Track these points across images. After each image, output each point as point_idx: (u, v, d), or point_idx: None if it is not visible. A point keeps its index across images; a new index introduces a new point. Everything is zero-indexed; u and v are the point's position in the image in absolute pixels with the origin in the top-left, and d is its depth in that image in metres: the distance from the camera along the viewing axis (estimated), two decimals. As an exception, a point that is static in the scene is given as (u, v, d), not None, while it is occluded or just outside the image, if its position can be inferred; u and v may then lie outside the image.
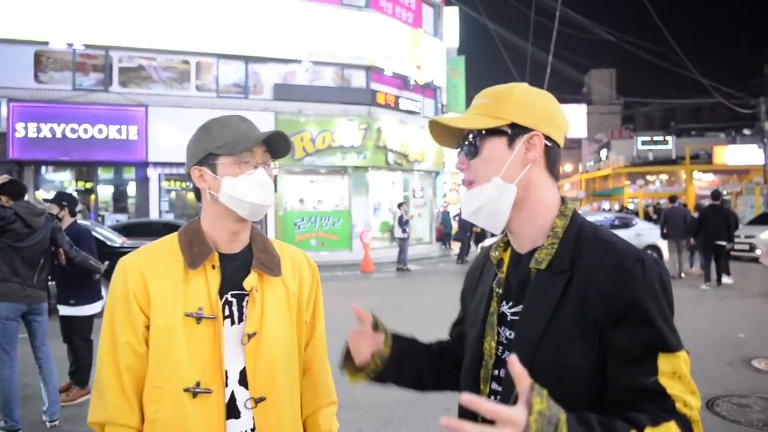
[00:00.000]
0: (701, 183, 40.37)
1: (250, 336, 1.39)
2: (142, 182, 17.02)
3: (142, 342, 1.35)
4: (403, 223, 16.14)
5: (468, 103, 24.65)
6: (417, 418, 4.71)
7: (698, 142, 45.44)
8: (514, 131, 1.16)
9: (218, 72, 18.02)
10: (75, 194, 7.87)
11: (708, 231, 11.97)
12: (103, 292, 5.58)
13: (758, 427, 4.53)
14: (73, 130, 15.89)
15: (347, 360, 1.39)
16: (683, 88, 49.07)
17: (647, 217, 25.23)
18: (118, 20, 16.38)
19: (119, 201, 17.86)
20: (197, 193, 1.48)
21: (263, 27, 17.87)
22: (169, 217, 16.67)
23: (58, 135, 15.80)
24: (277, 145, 1.45)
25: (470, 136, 1.20)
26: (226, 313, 1.40)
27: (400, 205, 16.89)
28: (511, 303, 1.19)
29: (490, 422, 0.84)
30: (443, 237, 23.70)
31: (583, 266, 1.08)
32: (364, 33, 19.28)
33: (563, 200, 1.21)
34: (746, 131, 47.07)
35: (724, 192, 34.05)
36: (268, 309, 1.43)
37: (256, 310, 1.41)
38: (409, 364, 1.38)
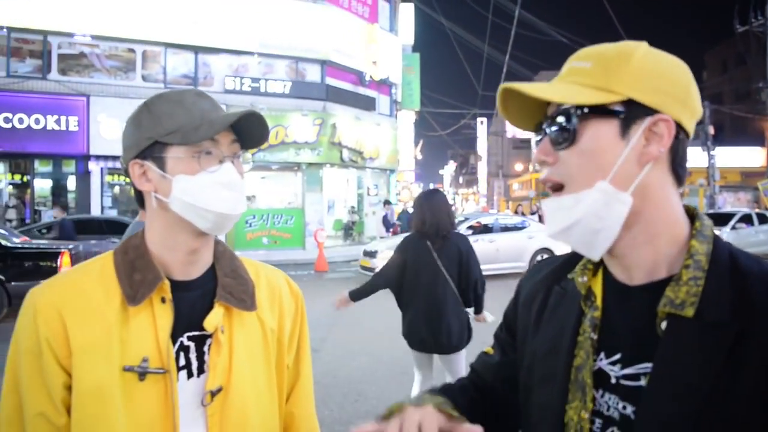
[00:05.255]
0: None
1: (213, 393, 1.02)
2: (83, 176, 16.05)
3: (62, 410, 0.95)
4: (388, 223, 15.94)
5: (423, 102, 24.39)
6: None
7: (643, 144, 46.99)
8: (631, 113, 0.78)
9: (166, 62, 17.20)
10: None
11: None
12: None
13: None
14: (7, 120, 14.81)
15: None
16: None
17: None
18: (58, 3, 15.37)
19: (58, 196, 16.76)
20: (139, 196, 1.08)
21: (215, 16, 17.16)
22: (112, 214, 15.83)
23: (-10, 124, 14.71)
24: (250, 132, 1.07)
25: (561, 114, 0.81)
26: (181, 362, 1.02)
27: (386, 203, 16.57)
28: (618, 358, 0.81)
29: None
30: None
31: (757, 318, 0.71)
32: (319, 26, 18.80)
33: (694, 214, 0.84)
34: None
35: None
36: (238, 355, 1.05)
37: (222, 358, 1.04)
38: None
